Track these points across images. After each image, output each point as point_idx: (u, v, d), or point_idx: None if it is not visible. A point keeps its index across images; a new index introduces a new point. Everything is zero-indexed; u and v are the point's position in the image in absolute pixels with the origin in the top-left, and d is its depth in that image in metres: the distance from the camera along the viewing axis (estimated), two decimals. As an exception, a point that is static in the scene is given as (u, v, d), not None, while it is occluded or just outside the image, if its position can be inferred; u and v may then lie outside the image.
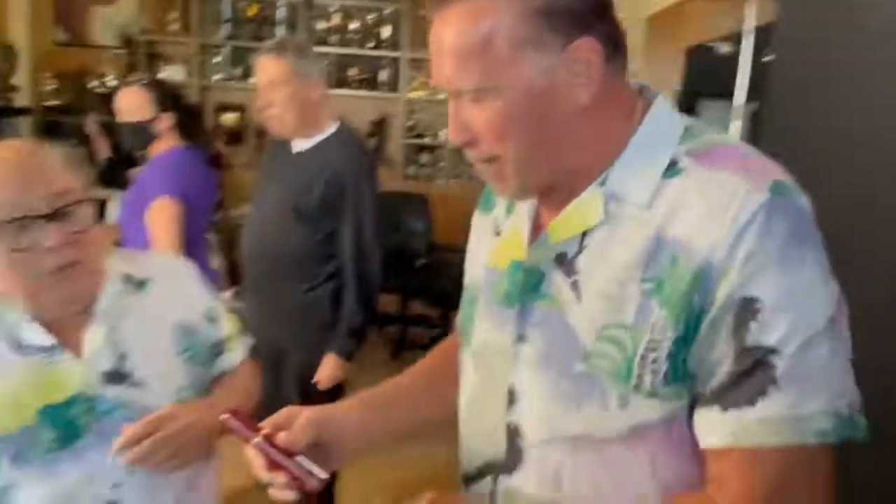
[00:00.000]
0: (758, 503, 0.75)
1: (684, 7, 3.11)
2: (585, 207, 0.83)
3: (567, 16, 0.77)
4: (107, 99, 4.88)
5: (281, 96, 2.14)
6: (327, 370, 2.20)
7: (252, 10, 5.32)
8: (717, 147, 0.81)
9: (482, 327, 0.95)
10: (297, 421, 0.91)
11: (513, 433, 0.89)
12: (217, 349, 1.30)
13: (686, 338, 0.76)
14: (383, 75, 5.39)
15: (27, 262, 1.05)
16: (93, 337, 1.13)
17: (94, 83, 5.27)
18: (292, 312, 2.25)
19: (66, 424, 1.09)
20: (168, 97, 2.55)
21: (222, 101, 5.50)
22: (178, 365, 1.21)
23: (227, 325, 1.32)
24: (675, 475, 0.81)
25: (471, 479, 0.96)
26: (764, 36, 2.32)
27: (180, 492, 1.18)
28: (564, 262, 0.84)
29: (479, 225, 1.04)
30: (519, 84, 0.78)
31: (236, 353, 1.33)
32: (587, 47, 0.78)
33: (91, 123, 3.98)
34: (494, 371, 0.91)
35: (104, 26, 5.38)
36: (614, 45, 0.81)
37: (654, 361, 0.77)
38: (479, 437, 0.95)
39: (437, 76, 0.82)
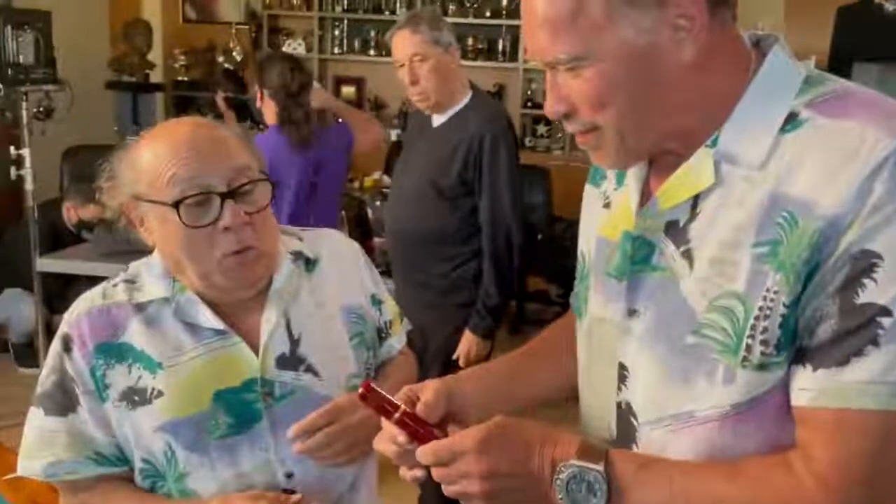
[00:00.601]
0: (841, 471, 0.69)
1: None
2: (695, 170, 0.77)
3: None
4: (233, 74, 5.03)
5: (423, 70, 2.12)
6: (466, 348, 2.20)
7: (370, -17, 5.33)
8: (841, 95, 0.74)
9: (594, 301, 0.91)
10: (424, 395, 0.88)
11: (624, 412, 0.85)
12: (382, 334, 1.25)
13: (799, 299, 0.70)
14: (501, 45, 5.29)
15: (202, 242, 1.02)
16: (267, 320, 1.10)
17: (221, 58, 5.43)
18: (434, 289, 2.24)
19: (241, 409, 1.06)
20: (262, 73, 2.61)
21: (341, 73, 5.56)
22: (349, 350, 1.16)
23: (390, 309, 1.27)
24: (778, 451, 0.75)
25: None
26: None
27: (347, 487, 1.15)
28: (676, 230, 0.79)
29: (589, 198, 0.99)
30: (616, 48, 0.73)
31: (397, 339, 1.28)
32: (688, 1, 0.71)
33: (219, 99, 4.09)
34: (605, 347, 0.88)
35: (230, 2, 5.53)
36: None
37: (764, 331, 0.72)
38: (593, 416, 0.92)
39: (531, 48, 0.79)
